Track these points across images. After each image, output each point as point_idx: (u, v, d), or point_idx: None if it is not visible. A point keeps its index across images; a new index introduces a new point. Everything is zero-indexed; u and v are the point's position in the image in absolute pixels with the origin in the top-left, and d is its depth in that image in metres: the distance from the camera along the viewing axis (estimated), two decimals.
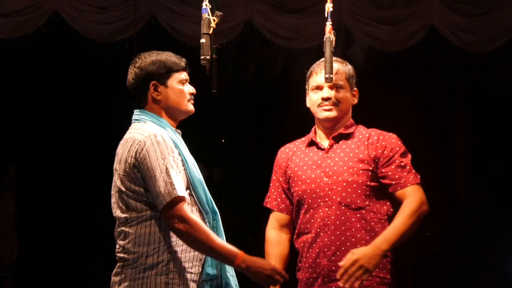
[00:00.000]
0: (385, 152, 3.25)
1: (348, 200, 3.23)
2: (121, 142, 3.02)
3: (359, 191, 3.23)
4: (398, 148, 3.27)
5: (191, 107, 3.11)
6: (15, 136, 6.55)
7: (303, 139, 3.44)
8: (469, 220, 6.65)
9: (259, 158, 6.74)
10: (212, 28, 3.05)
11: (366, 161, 3.25)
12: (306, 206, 3.29)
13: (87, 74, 6.25)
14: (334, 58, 3.18)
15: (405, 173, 3.22)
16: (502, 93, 6.42)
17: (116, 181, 2.98)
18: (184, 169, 2.98)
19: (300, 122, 3.69)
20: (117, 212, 2.98)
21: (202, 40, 3.04)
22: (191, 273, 2.96)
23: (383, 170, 3.24)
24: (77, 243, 6.65)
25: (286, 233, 3.43)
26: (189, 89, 3.10)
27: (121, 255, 2.97)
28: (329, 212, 3.23)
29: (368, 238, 3.19)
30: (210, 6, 3.06)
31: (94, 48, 5.60)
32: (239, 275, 3.08)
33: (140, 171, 2.91)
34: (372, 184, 3.24)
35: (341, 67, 3.34)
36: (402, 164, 3.24)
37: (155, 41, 5.51)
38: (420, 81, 6.60)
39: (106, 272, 3.15)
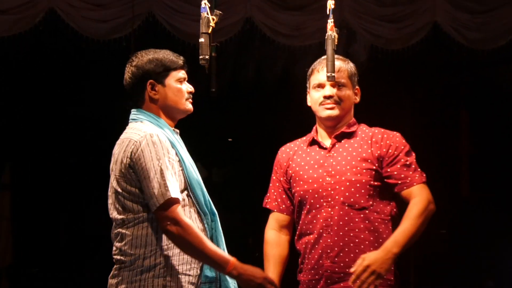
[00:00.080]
0: (390, 151, 3.23)
1: (352, 200, 3.20)
2: (118, 142, 3.01)
3: (363, 190, 3.21)
4: (402, 147, 3.25)
5: (189, 106, 3.09)
6: (10, 135, 6.53)
7: (304, 138, 3.42)
8: (472, 219, 6.65)
9: (259, 158, 6.75)
10: (211, 27, 3.04)
11: (369, 160, 3.23)
12: (308, 207, 3.27)
13: (84, 73, 6.26)
14: (336, 56, 3.18)
15: (410, 172, 3.21)
16: (505, 91, 6.45)
17: (113, 182, 2.97)
18: (182, 170, 2.97)
19: (301, 122, 3.68)
20: (113, 214, 2.97)
21: (201, 40, 3.04)
22: (189, 275, 2.94)
23: (388, 170, 3.22)
24: (74, 244, 6.66)
25: (285, 234, 3.40)
26: (187, 87, 3.09)
27: (118, 257, 2.96)
28: (332, 213, 3.21)
29: (371, 238, 3.19)
30: (209, 5, 3.05)
31: (91, 46, 5.59)
32: None
33: (135, 171, 2.90)
34: (376, 183, 3.22)
35: (343, 65, 3.33)
36: (407, 163, 3.22)
37: (153, 39, 5.50)
38: (423, 79, 6.63)
39: (103, 274, 3.13)
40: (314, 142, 3.35)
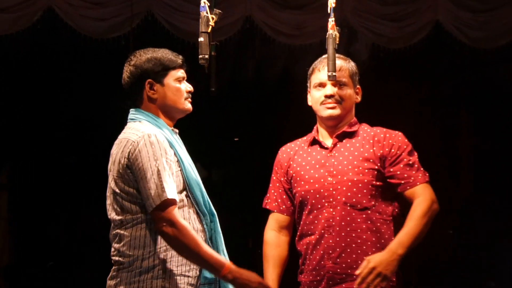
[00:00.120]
0: (393, 150, 3.22)
1: (354, 200, 3.19)
2: (116, 142, 2.99)
3: (365, 190, 3.20)
4: (405, 146, 3.25)
5: (188, 106, 3.08)
6: (7, 135, 6.52)
7: (305, 138, 3.41)
8: (473, 220, 6.62)
9: (259, 158, 6.74)
10: (210, 26, 3.03)
11: (371, 160, 3.22)
12: (309, 207, 3.25)
13: (82, 72, 6.21)
14: (337, 55, 3.16)
15: (413, 172, 3.20)
16: (507, 91, 6.43)
17: (111, 183, 2.96)
18: (180, 170, 2.96)
19: (301, 122, 3.67)
20: (112, 214, 2.96)
21: (201, 39, 3.02)
22: (188, 276, 2.93)
23: (391, 169, 3.21)
24: (72, 245, 6.63)
25: (285, 235, 3.39)
26: (186, 87, 3.07)
27: (116, 258, 2.95)
28: (333, 213, 3.20)
29: (374, 239, 3.18)
30: (208, 4, 3.04)
31: (89, 45, 5.58)
32: None
33: (132, 172, 2.89)
34: (378, 183, 3.21)
35: (344, 64, 3.33)
36: (410, 162, 3.21)
37: (152, 38, 5.51)
38: (424, 78, 6.62)
39: (102, 275, 3.12)
40: (315, 142, 3.34)
